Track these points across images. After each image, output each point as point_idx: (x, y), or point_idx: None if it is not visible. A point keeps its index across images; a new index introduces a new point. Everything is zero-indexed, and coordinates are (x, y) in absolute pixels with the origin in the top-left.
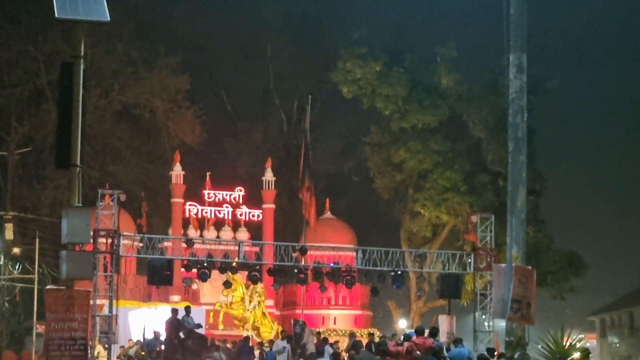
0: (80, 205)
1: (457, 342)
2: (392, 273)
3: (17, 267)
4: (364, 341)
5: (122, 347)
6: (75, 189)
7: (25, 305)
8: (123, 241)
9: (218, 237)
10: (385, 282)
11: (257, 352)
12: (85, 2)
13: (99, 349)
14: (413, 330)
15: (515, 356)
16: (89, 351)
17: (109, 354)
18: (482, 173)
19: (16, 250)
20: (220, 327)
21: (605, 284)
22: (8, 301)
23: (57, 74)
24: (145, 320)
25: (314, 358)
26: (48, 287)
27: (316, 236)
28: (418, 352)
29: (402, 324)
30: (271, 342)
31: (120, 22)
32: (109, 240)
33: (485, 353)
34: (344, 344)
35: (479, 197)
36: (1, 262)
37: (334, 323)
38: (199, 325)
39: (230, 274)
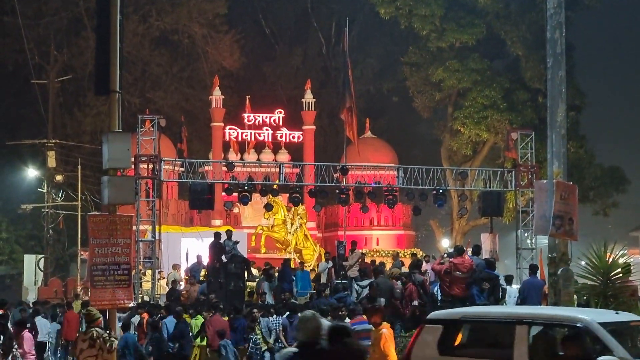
0: (121, 130)
1: (476, 250)
2: (434, 192)
3: (60, 194)
4: (407, 262)
5: (162, 271)
6: (115, 115)
7: (69, 232)
8: (164, 166)
9: (258, 159)
10: (427, 201)
11: None
12: None
13: (147, 274)
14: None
15: (559, 272)
16: (133, 275)
17: (153, 278)
18: (521, 90)
19: (59, 177)
20: (263, 250)
21: None
22: (52, 228)
23: (95, 1)
24: (189, 245)
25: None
26: (91, 213)
27: (357, 156)
28: (458, 272)
29: (445, 243)
30: (301, 264)
31: None
32: (150, 166)
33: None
34: (388, 264)
35: (518, 114)
36: (45, 190)
37: (377, 244)
38: (236, 242)
39: (271, 196)
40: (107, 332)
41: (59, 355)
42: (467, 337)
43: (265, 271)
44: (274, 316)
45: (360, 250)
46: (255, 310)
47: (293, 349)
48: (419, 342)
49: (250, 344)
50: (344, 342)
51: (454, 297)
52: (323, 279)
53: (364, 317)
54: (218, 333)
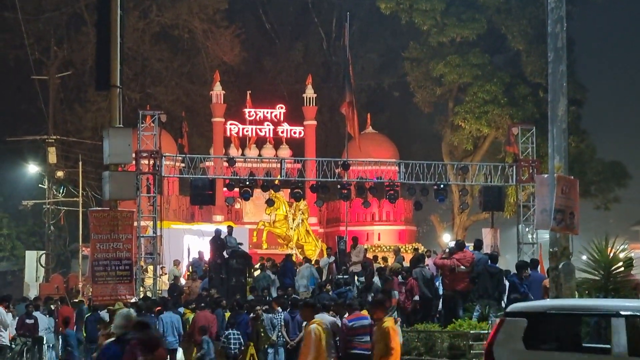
0: (121, 126)
1: (477, 244)
2: (435, 187)
3: (61, 190)
4: (408, 257)
5: (163, 267)
6: (115, 110)
7: (70, 228)
8: (165, 162)
9: (260, 155)
10: (428, 196)
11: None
12: None
13: (149, 269)
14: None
15: (560, 266)
16: (135, 271)
17: (154, 274)
18: (522, 85)
19: (60, 173)
20: (264, 246)
21: None
22: (53, 224)
23: None
24: (190, 241)
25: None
26: (92, 209)
27: (358, 151)
28: (462, 267)
29: (446, 238)
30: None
31: None
32: (151, 161)
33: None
34: (390, 260)
35: (519, 109)
36: (45, 186)
37: (379, 239)
38: (240, 244)
39: (272, 192)
40: None
41: (59, 349)
42: (553, 330)
43: (272, 267)
44: (280, 312)
45: (362, 245)
46: (258, 307)
47: (112, 339)
48: (502, 336)
49: (223, 339)
50: (143, 332)
51: (456, 292)
52: (324, 274)
53: (362, 312)
54: (200, 329)
